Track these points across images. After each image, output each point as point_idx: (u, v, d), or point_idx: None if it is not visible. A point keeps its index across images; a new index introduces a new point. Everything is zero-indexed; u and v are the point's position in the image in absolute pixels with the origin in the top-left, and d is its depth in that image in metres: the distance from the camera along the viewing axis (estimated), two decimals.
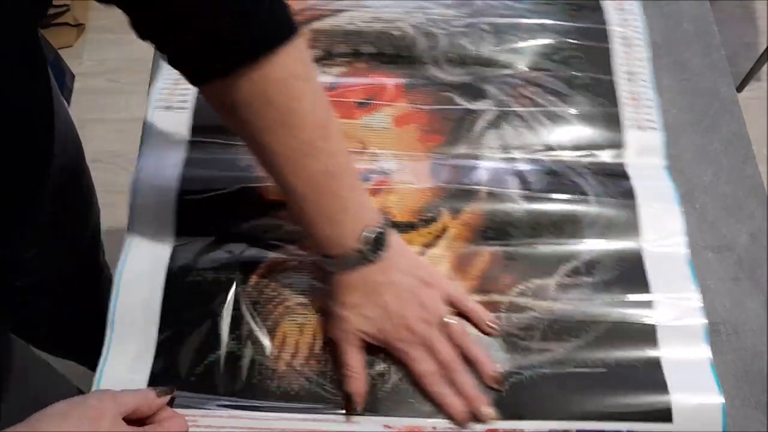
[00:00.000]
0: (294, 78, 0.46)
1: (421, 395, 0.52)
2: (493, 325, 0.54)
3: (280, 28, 0.45)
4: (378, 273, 0.51)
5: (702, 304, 0.56)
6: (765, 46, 1.52)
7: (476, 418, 0.51)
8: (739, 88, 1.56)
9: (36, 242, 0.61)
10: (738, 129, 0.67)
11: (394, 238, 0.53)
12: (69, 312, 0.81)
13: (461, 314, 0.54)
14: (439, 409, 0.51)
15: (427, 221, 0.59)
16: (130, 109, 1.51)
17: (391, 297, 0.51)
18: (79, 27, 1.63)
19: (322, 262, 0.52)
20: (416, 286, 0.52)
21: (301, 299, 0.56)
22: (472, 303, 0.54)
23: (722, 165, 0.65)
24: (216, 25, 0.43)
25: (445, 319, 0.52)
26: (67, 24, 1.59)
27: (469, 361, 0.52)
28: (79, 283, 0.79)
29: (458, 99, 0.65)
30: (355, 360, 0.51)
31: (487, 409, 0.51)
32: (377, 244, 0.50)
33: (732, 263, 0.60)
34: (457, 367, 0.51)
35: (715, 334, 0.56)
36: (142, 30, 0.45)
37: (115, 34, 1.59)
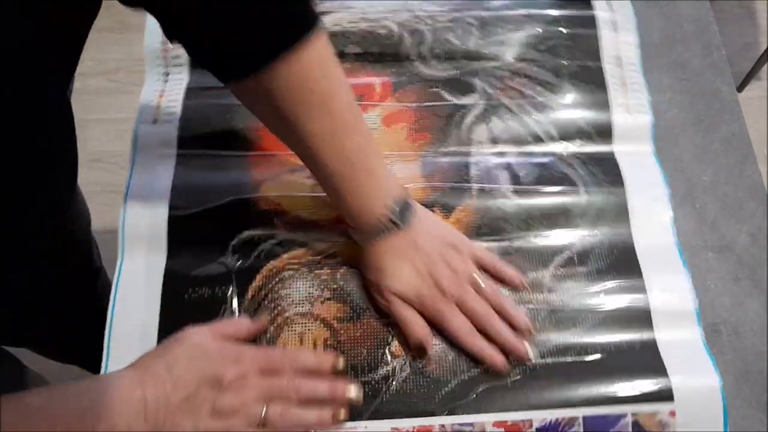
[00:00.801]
0: (329, 60, 0.49)
1: (426, 393, 0.52)
2: (525, 282, 0.56)
3: (312, 14, 0.48)
4: (408, 239, 0.53)
5: (692, 286, 0.57)
6: (765, 46, 1.52)
7: (520, 361, 0.53)
8: (740, 88, 1.56)
9: (37, 245, 0.62)
10: (738, 129, 0.67)
11: (420, 207, 0.56)
12: (69, 313, 0.81)
13: (492, 276, 0.56)
14: (480, 363, 0.53)
15: None
16: (130, 109, 1.51)
17: (421, 261, 0.53)
18: None
19: (354, 235, 0.55)
20: (445, 250, 0.54)
21: (299, 309, 0.55)
22: (501, 263, 0.57)
23: (722, 165, 0.65)
24: (253, 18, 0.45)
25: (475, 277, 0.54)
26: None
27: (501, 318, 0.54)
28: (77, 283, 0.79)
29: (446, 95, 0.65)
30: (408, 311, 0.53)
31: (531, 349, 0.53)
32: (405, 211, 0.53)
33: (732, 263, 0.60)
34: (491, 320, 0.53)
35: (715, 334, 0.56)
36: (172, 32, 0.47)
37: (115, 34, 1.59)
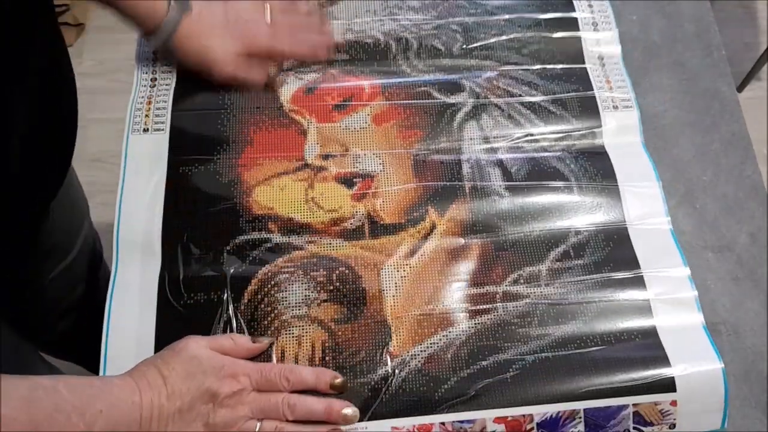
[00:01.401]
0: None
1: (425, 391, 0.52)
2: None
3: None
4: (197, 17, 0.60)
5: (689, 273, 0.57)
6: (765, 46, 1.52)
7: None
8: (740, 88, 1.56)
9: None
10: (738, 129, 0.67)
11: None
12: (71, 306, 0.81)
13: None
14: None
15: (415, 221, 0.59)
16: None
17: (222, 24, 0.61)
18: (79, 27, 1.63)
19: (155, 42, 0.62)
20: (238, 11, 0.62)
21: (296, 311, 0.55)
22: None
23: (722, 165, 0.65)
24: None
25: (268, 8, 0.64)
26: (67, 24, 1.59)
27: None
28: (81, 273, 0.79)
29: (435, 93, 0.66)
30: (239, 73, 0.62)
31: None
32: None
33: (732, 263, 0.60)
34: (293, 29, 0.65)
35: (715, 334, 0.56)
36: None
37: (115, 34, 1.59)
